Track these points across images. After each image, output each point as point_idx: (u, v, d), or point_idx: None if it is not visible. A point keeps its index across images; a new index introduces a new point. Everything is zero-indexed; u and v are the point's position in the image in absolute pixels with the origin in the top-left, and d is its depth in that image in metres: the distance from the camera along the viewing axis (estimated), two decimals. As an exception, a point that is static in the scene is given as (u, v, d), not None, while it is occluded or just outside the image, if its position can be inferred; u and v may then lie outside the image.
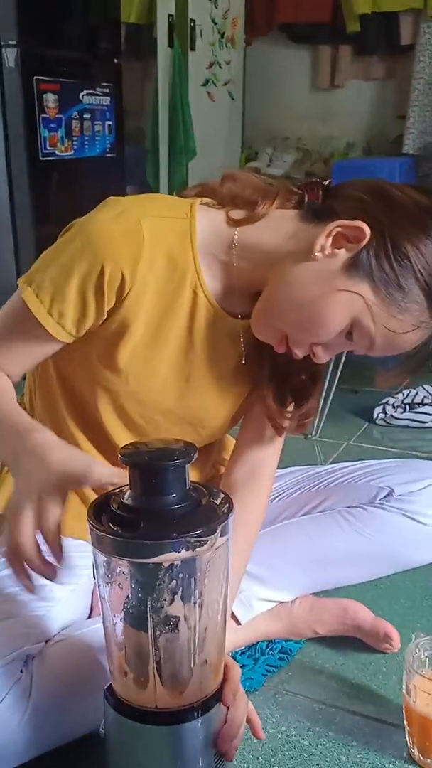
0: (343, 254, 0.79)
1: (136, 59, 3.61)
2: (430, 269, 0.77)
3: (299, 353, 0.84)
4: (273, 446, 1.00)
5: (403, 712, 0.91)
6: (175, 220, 0.85)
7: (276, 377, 0.93)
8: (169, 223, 0.85)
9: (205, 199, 0.90)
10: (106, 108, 2.90)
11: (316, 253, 0.79)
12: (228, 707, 0.75)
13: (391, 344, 0.82)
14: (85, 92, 2.79)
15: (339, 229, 0.78)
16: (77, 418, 0.96)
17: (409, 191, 0.81)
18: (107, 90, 2.88)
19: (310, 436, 2.02)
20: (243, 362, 0.93)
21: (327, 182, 0.88)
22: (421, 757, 0.89)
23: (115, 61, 2.99)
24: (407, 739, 0.91)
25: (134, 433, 0.95)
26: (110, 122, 2.93)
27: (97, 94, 2.84)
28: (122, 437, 0.94)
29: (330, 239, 0.79)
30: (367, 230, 0.77)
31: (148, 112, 3.47)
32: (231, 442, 1.14)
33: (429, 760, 0.88)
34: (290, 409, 0.96)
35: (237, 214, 0.86)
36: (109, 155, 2.92)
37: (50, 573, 0.71)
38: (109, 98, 2.89)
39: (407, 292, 0.77)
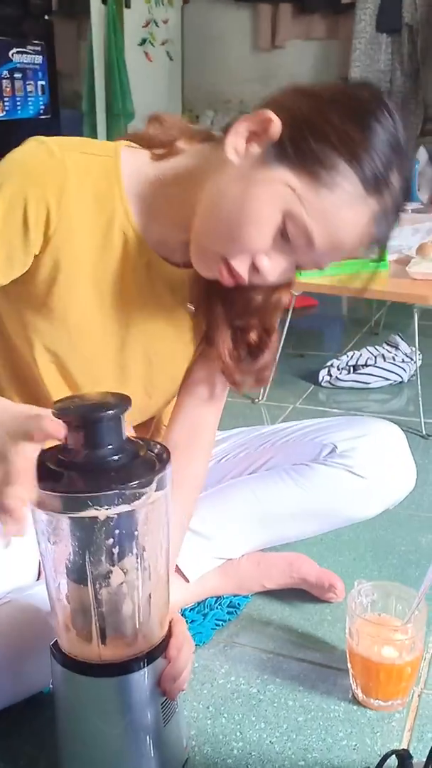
0: (257, 149, 0.76)
1: (69, 17, 3.49)
2: (348, 138, 0.73)
3: (243, 272, 0.78)
4: (213, 406, 1.00)
5: (347, 656, 0.94)
6: (100, 158, 0.83)
7: (230, 331, 0.91)
8: (94, 160, 0.82)
9: (130, 142, 0.88)
10: (38, 67, 2.82)
11: (230, 157, 0.76)
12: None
13: (333, 236, 0.76)
14: (15, 50, 2.70)
15: (245, 124, 0.76)
16: (18, 386, 0.93)
17: (325, 84, 0.79)
18: (38, 48, 2.80)
19: (256, 400, 2.04)
20: (190, 315, 0.91)
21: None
22: (364, 697, 0.92)
23: (46, 17, 2.89)
24: (351, 681, 0.94)
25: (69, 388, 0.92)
26: (43, 82, 2.85)
27: (28, 53, 2.75)
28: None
29: (239, 138, 0.76)
30: (273, 116, 0.74)
31: (83, 74, 3.37)
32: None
33: (372, 700, 0.92)
34: (247, 364, 0.94)
35: (160, 151, 0.85)
36: (43, 117, 2.84)
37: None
38: (40, 57, 2.81)
39: (331, 166, 0.73)
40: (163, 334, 0.93)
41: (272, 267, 0.78)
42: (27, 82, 2.77)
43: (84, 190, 0.81)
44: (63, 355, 0.89)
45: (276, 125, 0.74)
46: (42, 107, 2.85)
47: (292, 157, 0.74)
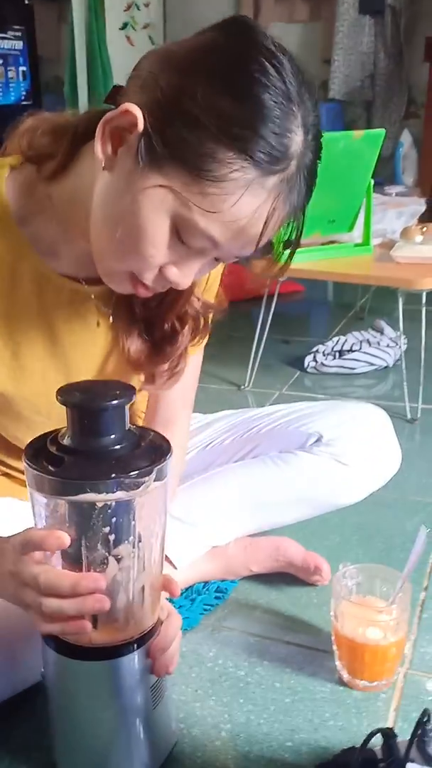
0: (128, 150, 0.65)
1: (50, 1, 3.44)
2: (222, 116, 0.61)
3: (154, 284, 0.71)
4: (184, 399, 1.00)
5: (332, 638, 0.95)
6: None
7: (140, 325, 0.85)
8: None
9: (10, 161, 0.78)
10: (19, 53, 2.78)
11: (101, 166, 0.67)
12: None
13: (236, 229, 0.65)
14: (-6, 36, 2.65)
15: (107, 124, 0.65)
16: None
17: (186, 41, 0.66)
18: (19, 33, 2.77)
19: (242, 387, 2.04)
20: (110, 324, 0.85)
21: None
22: (350, 678, 0.94)
23: (27, 2, 2.85)
24: (337, 662, 0.96)
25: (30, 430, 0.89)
26: (24, 68, 2.82)
27: (8, 38, 2.72)
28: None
29: (106, 142, 0.66)
30: (134, 108, 0.63)
31: (65, 59, 3.33)
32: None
33: (358, 681, 0.93)
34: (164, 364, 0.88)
35: (44, 169, 0.75)
36: (24, 103, 2.81)
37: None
38: (21, 42, 2.78)
39: (210, 155, 0.61)
40: (101, 355, 0.88)
41: (183, 274, 0.70)
42: (8, 68, 2.74)
43: None
44: (19, 417, 0.87)
45: (138, 118, 0.63)
46: (24, 93, 2.82)
47: (164, 152, 0.62)
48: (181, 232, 0.66)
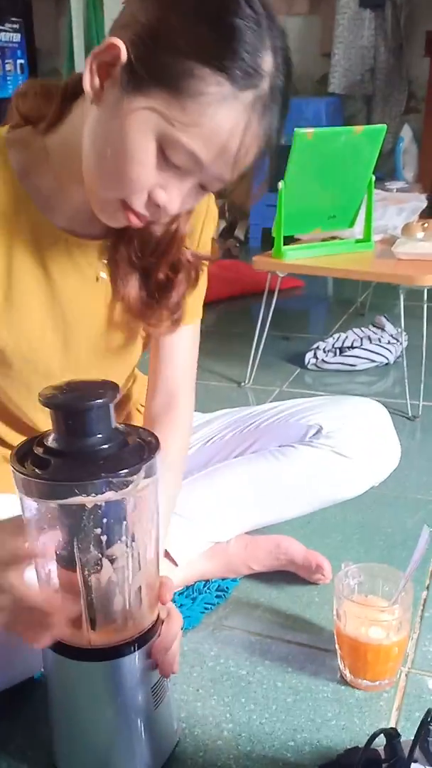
0: (113, 83, 0.70)
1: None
2: (199, 39, 0.66)
3: (143, 209, 0.75)
4: (185, 373, 1.00)
5: (335, 637, 0.95)
6: None
7: (136, 274, 0.88)
8: None
9: (9, 124, 0.84)
10: (17, 45, 2.76)
11: (90, 96, 0.72)
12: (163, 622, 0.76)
13: (216, 145, 0.70)
14: (-8, 28, 2.64)
15: (94, 59, 0.70)
16: None
17: None
18: (17, 26, 2.75)
19: (242, 383, 2.04)
20: (109, 277, 0.89)
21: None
22: (352, 678, 0.94)
23: (24, -6, 2.82)
24: (339, 662, 0.95)
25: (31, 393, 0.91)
26: (22, 61, 2.80)
27: (6, 30, 2.70)
28: (30, 406, 0.92)
29: (94, 76, 0.71)
30: (118, 42, 0.68)
31: (63, 52, 3.31)
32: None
33: (360, 680, 0.93)
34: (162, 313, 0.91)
35: (39, 126, 0.81)
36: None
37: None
38: (19, 35, 2.76)
39: (188, 74, 0.66)
40: (100, 312, 0.91)
41: (171, 198, 0.74)
42: (6, 61, 2.72)
43: None
44: (14, 375, 0.88)
45: (121, 49, 0.68)
46: (22, 87, 2.80)
47: (146, 77, 0.68)
48: (166, 151, 0.70)
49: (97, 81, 0.71)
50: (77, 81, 0.76)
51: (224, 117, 0.68)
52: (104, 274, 0.88)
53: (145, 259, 0.87)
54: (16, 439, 0.95)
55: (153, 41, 0.67)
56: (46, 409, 0.66)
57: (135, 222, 0.77)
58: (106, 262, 0.88)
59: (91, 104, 0.73)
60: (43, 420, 0.92)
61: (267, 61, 0.69)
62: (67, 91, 0.79)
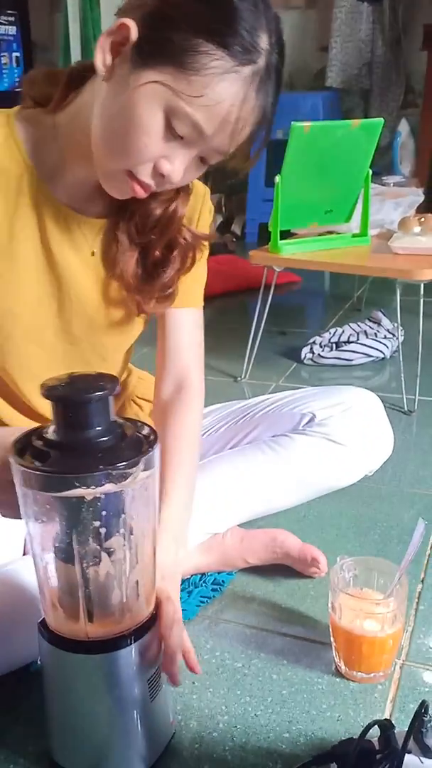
0: (124, 59, 0.76)
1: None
2: (201, 17, 0.72)
3: (148, 178, 0.80)
4: (192, 353, 1.02)
5: (330, 630, 0.95)
6: None
7: (136, 251, 0.92)
8: None
9: (19, 108, 0.88)
10: (12, 38, 2.75)
11: (101, 75, 0.77)
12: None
13: (218, 115, 0.75)
14: (-13, 21, 2.62)
15: (106, 38, 0.76)
16: None
17: None
18: (12, 19, 2.73)
19: (239, 378, 2.04)
20: (102, 254, 0.92)
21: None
22: (347, 670, 0.94)
23: (20, -13, 2.81)
24: (334, 654, 0.96)
25: (27, 369, 0.93)
26: (17, 54, 2.79)
27: (1, 23, 2.69)
28: (23, 377, 0.93)
29: (105, 54, 0.76)
30: (129, 22, 0.74)
31: (59, 45, 3.29)
32: (147, 378, 1.14)
33: (355, 672, 0.93)
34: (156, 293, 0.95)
35: (48, 106, 0.85)
36: (18, 90, 2.77)
37: None
38: (15, 28, 2.74)
39: (192, 49, 0.72)
40: (95, 287, 0.93)
41: (175, 168, 0.79)
42: (1, 54, 2.71)
43: None
44: (5, 336, 0.89)
45: (131, 29, 0.74)
46: (17, 79, 2.79)
47: (154, 53, 0.74)
48: (172, 121, 0.75)
49: (108, 59, 0.76)
50: (84, 66, 0.83)
51: (225, 89, 0.74)
52: (98, 250, 0.91)
53: (145, 236, 0.90)
54: (12, 416, 0.96)
55: (161, 21, 0.73)
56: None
57: (140, 192, 0.81)
58: (101, 239, 0.91)
59: (102, 82, 0.77)
60: (36, 397, 0.94)
61: (263, 39, 0.75)
62: (73, 75, 0.84)
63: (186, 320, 1.01)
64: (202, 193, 0.97)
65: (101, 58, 0.76)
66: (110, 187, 0.83)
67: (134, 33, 0.74)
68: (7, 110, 0.86)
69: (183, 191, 0.90)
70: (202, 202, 0.97)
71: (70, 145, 0.84)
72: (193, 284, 0.99)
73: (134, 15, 0.74)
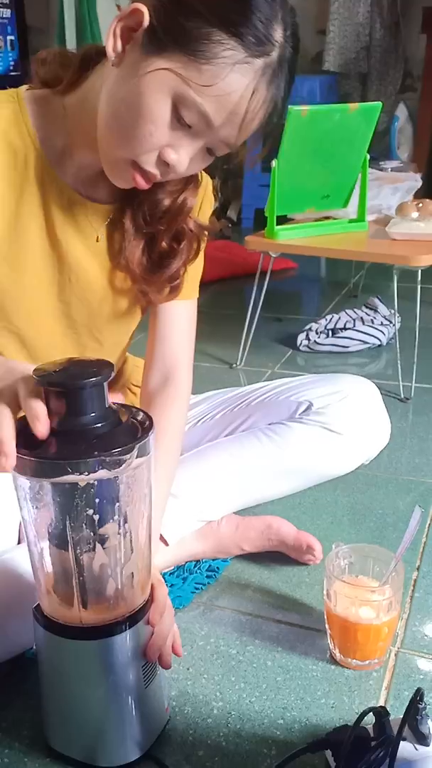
0: (136, 44, 0.74)
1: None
2: (217, 5, 0.71)
3: (152, 167, 0.78)
4: (183, 347, 1.01)
5: (325, 617, 0.95)
6: (2, 104, 0.83)
7: (142, 241, 0.91)
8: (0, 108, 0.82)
9: (29, 86, 0.87)
10: (7, 21, 2.71)
11: (112, 60, 0.75)
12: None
13: (227, 107, 0.74)
14: (-19, 4, 2.59)
15: (119, 23, 0.75)
16: None
17: None
18: (7, 2, 2.69)
19: (234, 365, 2.03)
20: (108, 246, 0.91)
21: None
22: (342, 657, 0.94)
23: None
24: (329, 641, 0.96)
25: (25, 349, 0.92)
26: (12, 37, 2.75)
27: (-5, 7, 2.64)
28: (22, 360, 0.92)
29: (117, 39, 0.75)
30: (141, 7, 0.73)
31: (54, 28, 3.25)
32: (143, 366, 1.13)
33: (350, 660, 0.93)
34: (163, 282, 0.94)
35: (59, 87, 0.84)
36: (13, 73, 2.75)
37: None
38: (9, 11, 2.70)
39: (205, 38, 0.71)
40: (99, 273, 0.92)
41: (181, 158, 0.77)
42: (-5, 37, 2.67)
43: None
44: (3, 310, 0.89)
45: (144, 14, 0.73)
46: (12, 63, 2.76)
47: (166, 40, 0.72)
48: (180, 110, 0.74)
49: (119, 44, 0.75)
50: (98, 49, 0.82)
51: (236, 80, 0.72)
52: (103, 237, 0.90)
53: (152, 226, 0.89)
54: None
55: (174, 7, 0.72)
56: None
57: (141, 183, 0.79)
58: (107, 225, 0.90)
59: (112, 66, 0.76)
60: None
61: (278, 32, 0.73)
62: (86, 58, 0.83)
63: (180, 312, 1.00)
64: (204, 184, 0.96)
65: (112, 43, 0.75)
66: (113, 175, 0.82)
67: (147, 18, 0.72)
68: (14, 89, 0.85)
69: (192, 182, 0.89)
70: (204, 193, 0.96)
71: (78, 129, 0.83)
72: (190, 275, 0.98)
73: (147, 2, 0.73)
